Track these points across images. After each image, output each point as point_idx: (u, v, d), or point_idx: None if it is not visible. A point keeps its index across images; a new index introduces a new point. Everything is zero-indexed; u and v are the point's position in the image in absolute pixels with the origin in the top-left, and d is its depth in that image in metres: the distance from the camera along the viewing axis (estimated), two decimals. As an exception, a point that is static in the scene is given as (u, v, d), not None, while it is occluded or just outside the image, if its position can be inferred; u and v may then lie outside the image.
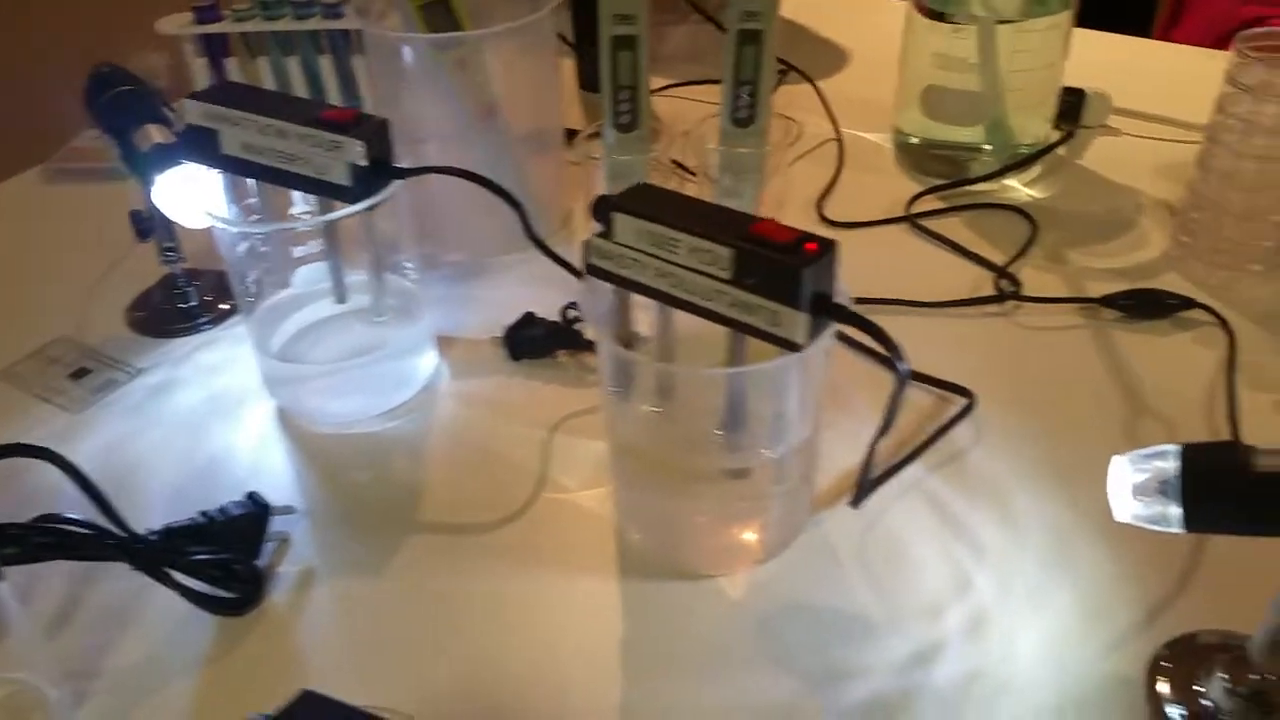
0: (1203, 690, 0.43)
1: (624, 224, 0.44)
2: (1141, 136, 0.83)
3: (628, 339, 0.48)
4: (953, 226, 0.74)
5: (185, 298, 0.70)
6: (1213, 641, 0.45)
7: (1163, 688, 0.44)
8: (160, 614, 0.50)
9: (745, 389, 0.46)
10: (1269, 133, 0.62)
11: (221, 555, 0.50)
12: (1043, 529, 0.51)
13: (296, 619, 0.50)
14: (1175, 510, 0.38)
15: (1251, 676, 0.42)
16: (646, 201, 0.45)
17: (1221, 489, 0.38)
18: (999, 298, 0.66)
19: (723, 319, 0.43)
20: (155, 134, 0.63)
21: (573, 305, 0.65)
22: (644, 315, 0.48)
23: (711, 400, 0.49)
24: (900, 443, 0.56)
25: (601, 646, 0.47)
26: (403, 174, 0.54)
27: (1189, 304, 0.65)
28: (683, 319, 0.47)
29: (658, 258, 0.44)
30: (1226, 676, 0.43)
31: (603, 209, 0.45)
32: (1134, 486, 0.39)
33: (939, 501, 0.53)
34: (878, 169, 0.82)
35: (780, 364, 0.43)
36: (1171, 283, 0.67)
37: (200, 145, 0.56)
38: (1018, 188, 0.78)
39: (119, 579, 0.50)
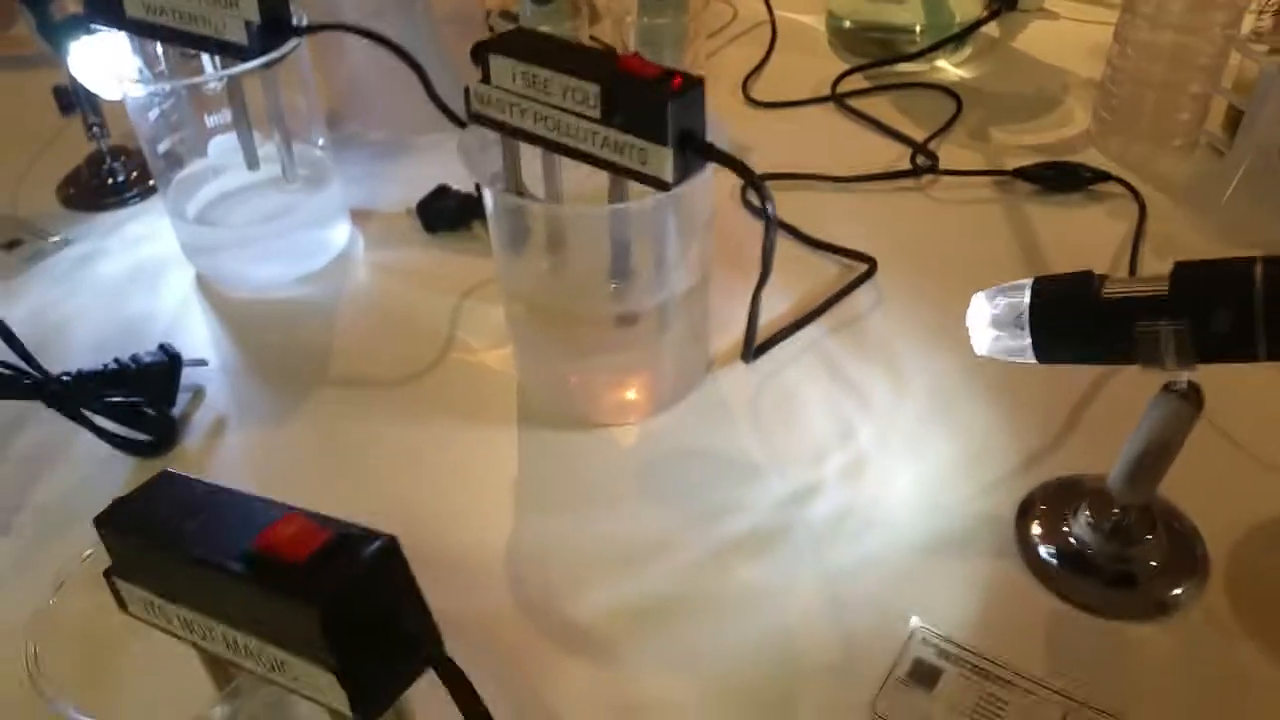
0: (1068, 529, 0.45)
1: (500, 67, 0.45)
2: (1078, 21, 0.83)
3: (517, 183, 0.49)
4: (879, 105, 0.74)
5: (113, 173, 0.71)
6: (1080, 483, 0.47)
7: (1032, 526, 0.46)
8: (82, 456, 0.52)
9: (629, 234, 0.47)
10: (1187, 3, 0.62)
11: (133, 399, 0.52)
12: (928, 385, 0.53)
13: (209, 461, 0.52)
14: (1026, 340, 0.39)
15: (1113, 511, 0.44)
16: (522, 45, 0.45)
17: (1067, 315, 0.39)
18: (914, 172, 0.67)
19: (596, 160, 0.44)
20: (69, 3, 0.63)
21: (491, 177, 0.65)
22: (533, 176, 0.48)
23: (602, 251, 0.50)
24: (803, 305, 0.57)
25: (498, 487, 0.49)
26: (300, 32, 0.55)
27: (1104, 177, 0.65)
28: (569, 177, 0.48)
29: (534, 100, 0.44)
30: (1089, 513, 0.44)
31: (480, 52, 0.45)
32: (991, 319, 0.40)
33: (834, 361, 0.54)
34: (811, 52, 0.82)
35: (652, 202, 0.44)
36: (1092, 159, 0.67)
37: (105, 8, 0.56)
38: (948, 68, 0.78)
39: (45, 424, 0.52)
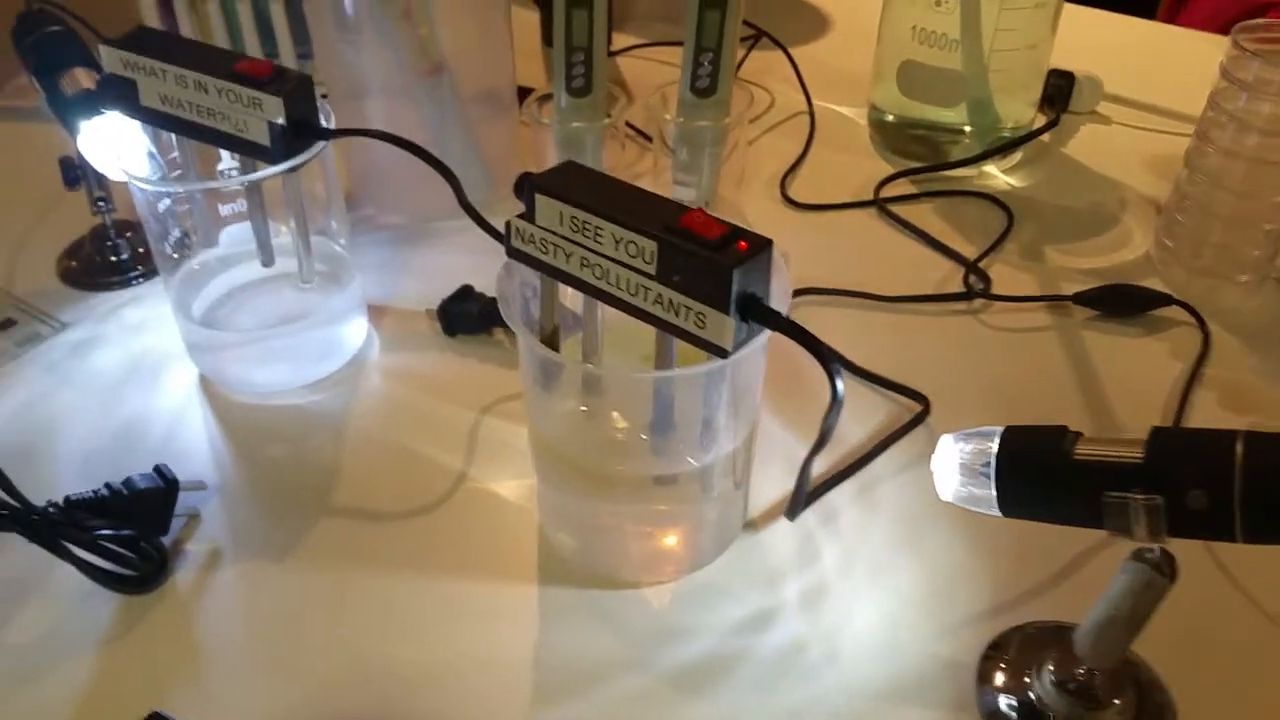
0: (1030, 683, 0.42)
1: (546, 206, 0.41)
2: (1133, 126, 0.79)
3: (553, 326, 0.45)
4: (924, 214, 0.71)
5: (116, 250, 0.67)
6: (1048, 632, 0.45)
7: (995, 675, 0.43)
8: (59, 589, 0.47)
9: (673, 392, 0.43)
10: (1263, 132, 0.59)
11: (124, 531, 0.48)
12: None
13: (199, 601, 0.47)
14: (991, 491, 0.38)
15: (1078, 671, 0.41)
16: (571, 183, 0.41)
17: (1034, 471, 0.37)
18: (967, 295, 0.63)
19: (648, 316, 0.40)
20: (83, 78, 0.59)
21: (517, 280, 0.61)
22: (572, 300, 0.44)
23: (639, 400, 0.46)
24: (850, 449, 0.53)
25: (509, 657, 0.45)
26: (327, 135, 0.51)
27: (1166, 300, 0.61)
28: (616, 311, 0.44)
29: (581, 245, 0.41)
30: (1053, 669, 0.42)
31: (525, 188, 0.41)
32: (959, 465, 0.39)
33: (882, 510, 0.50)
34: (850, 147, 0.78)
35: (707, 369, 0.40)
36: (1152, 286, 0.63)
37: (119, 94, 0.53)
38: (996, 175, 0.74)
39: (16, 550, 0.47)
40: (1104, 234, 0.69)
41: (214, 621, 0.47)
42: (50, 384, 0.59)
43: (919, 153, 0.76)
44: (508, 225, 0.43)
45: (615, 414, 0.47)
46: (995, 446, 0.38)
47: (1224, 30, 0.96)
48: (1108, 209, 0.71)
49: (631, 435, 0.46)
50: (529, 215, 0.42)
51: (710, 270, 0.37)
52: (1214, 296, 0.63)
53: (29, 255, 0.69)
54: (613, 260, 0.40)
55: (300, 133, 0.50)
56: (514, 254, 0.43)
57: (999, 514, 0.39)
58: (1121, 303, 0.62)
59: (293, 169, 0.51)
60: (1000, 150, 0.74)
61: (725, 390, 0.42)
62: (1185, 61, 0.88)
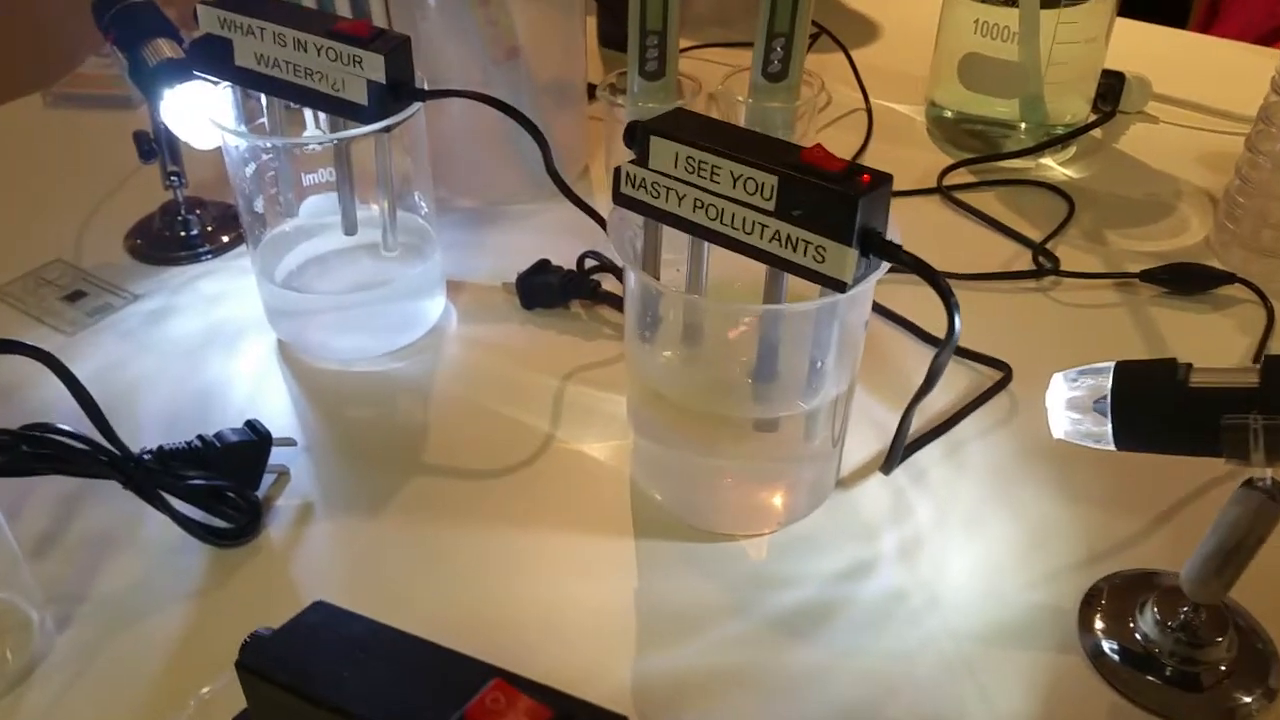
0: (1134, 624, 0.43)
1: (661, 149, 0.41)
2: (1182, 125, 0.81)
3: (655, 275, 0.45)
4: (986, 201, 0.72)
5: (187, 225, 0.68)
6: (1141, 579, 0.45)
7: (1095, 620, 0.43)
8: (151, 540, 0.47)
9: (780, 334, 0.43)
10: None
11: (218, 482, 0.48)
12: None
13: (293, 554, 0.47)
14: (1106, 427, 0.38)
15: (1182, 609, 0.42)
16: (685, 127, 0.42)
17: (1151, 402, 0.38)
18: (1038, 272, 0.64)
19: (763, 255, 0.40)
20: (165, 49, 0.60)
21: (590, 254, 0.62)
22: (670, 268, 0.45)
23: (741, 347, 0.47)
24: (936, 413, 0.54)
25: (613, 605, 0.44)
26: (424, 96, 0.51)
27: (1230, 278, 0.62)
28: (716, 264, 0.44)
29: (696, 186, 0.41)
30: (1157, 609, 0.42)
31: (638, 133, 0.42)
32: (1068, 401, 0.39)
33: (971, 468, 0.51)
34: (909, 142, 0.79)
35: (825, 304, 0.41)
36: (1212, 269, 0.64)
37: (212, 56, 0.53)
38: (1053, 167, 0.76)
39: (110, 501, 0.47)
40: (1162, 221, 0.70)
41: (310, 574, 0.46)
42: (127, 350, 0.59)
43: (976, 147, 0.77)
44: (617, 171, 0.43)
45: (718, 360, 0.47)
46: (1109, 382, 0.39)
47: (1255, 42, 0.98)
48: (1163, 199, 0.72)
49: (736, 379, 0.46)
50: (641, 160, 0.42)
51: (834, 202, 0.38)
52: (1276, 275, 0.64)
53: (95, 233, 0.69)
54: (729, 199, 0.40)
55: (398, 94, 0.51)
56: (622, 200, 0.44)
57: (1112, 448, 0.39)
58: (1187, 280, 0.63)
59: (387, 129, 0.52)
60: (1058, 141, 0.75)
61: (836, 330, 0.42)
62: (1225, 67, 0.90)
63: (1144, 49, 0.85)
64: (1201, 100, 0.83)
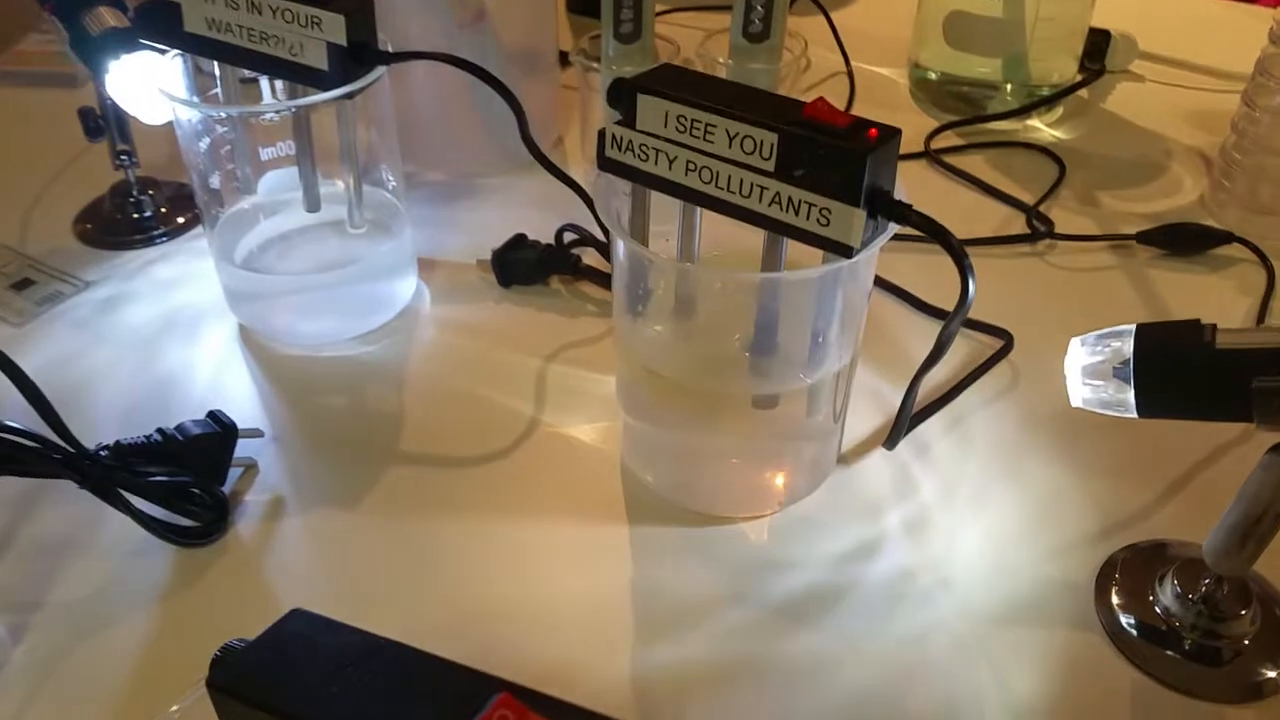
0: (1153, 598, 0.41)
1: (649, 107, 0.39)
2: (1169, 84, 0.79)
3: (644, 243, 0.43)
4: (975, 164, 0.69)
5: (139, 207, 0.64)
6: (1156, 551, 0.43)
7: (1111, 593, 0.42)
8: (112, 542, 0.44)
9: (778, 304, 0.40)
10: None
11: (180, 477, 0.44)
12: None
13: (264, 552, 0.44)
14: (1128, 393, 0.36)
15: (1204, 581, 0.40)
16: (675, 83, 0.39)
17: (1176, 367, 0.36)
18: (1033, 236, 0.62)
19: (762, 219, 0.38)
20: (108, 17, 0.56)
21: (568, 227, 0.59)
22: (659, 239, 0.42)
23: (736, 319, 0.44)
24: (936, 385, 0.51)
25: (608, 594, 0.42)
26: (389, 59, 0.48)
27: (1228, 238, 0.61)
28: (708, 232, 0.41)
29: (688, 147, 0.38)
30: (1177, 582, 0.41)
31: (623, 91, 0.39)
32: (1087, 368, 0.37)
33: (975, 441, 0.49)
34: (892, 105, 0.77)
35: (828, 271, 0.38)
36: (1207, 228, 0.63)
37: (159, 22, 0.50)
38: (1041, 128, 0.74)
39: (66, 502, 0.44)
40: (1154, 181, 0.68)
41: (284, 573, 0.43)
42: (81, 340, 0.55)
43: (961, 109, 0.75)
44: (601, 134, 0.40)
45: (713, 334, 0.45)
46: (1130, 346, 0.37)
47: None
48: (1154, 159, 0.70)
49: (732, 353, 0.44)
50: (627, 121, 0.40)
51: (841, 160, 0.35)
52: (1271, 233, 0.62)
53: (42, 218, 0.65)
54: (725, 160, 0.38)
55: (361, 57, 0.47)
56: (607, 165, 0.41)
57: (1134, 415, 0.37)
58: (1184, 241, 0.61)
59: (349, 95, 0.48)
60: (1045, 102, 0.73)
61: (840, 298, 0.40)
62: (1211, 24, 0.89)
63: (1126, 5, 0.82)
64: (1186, 58, 0.81)
